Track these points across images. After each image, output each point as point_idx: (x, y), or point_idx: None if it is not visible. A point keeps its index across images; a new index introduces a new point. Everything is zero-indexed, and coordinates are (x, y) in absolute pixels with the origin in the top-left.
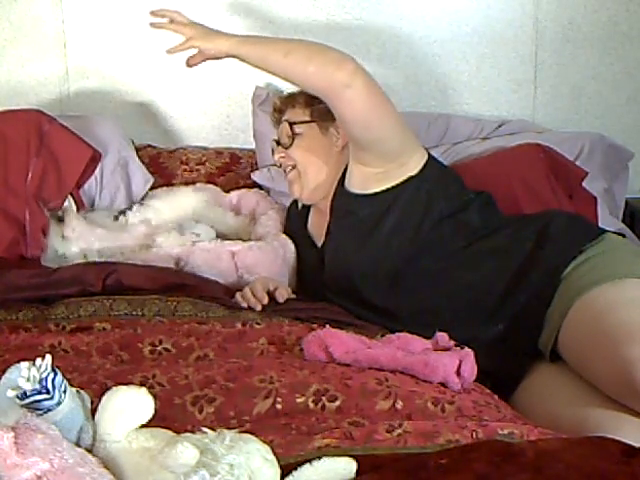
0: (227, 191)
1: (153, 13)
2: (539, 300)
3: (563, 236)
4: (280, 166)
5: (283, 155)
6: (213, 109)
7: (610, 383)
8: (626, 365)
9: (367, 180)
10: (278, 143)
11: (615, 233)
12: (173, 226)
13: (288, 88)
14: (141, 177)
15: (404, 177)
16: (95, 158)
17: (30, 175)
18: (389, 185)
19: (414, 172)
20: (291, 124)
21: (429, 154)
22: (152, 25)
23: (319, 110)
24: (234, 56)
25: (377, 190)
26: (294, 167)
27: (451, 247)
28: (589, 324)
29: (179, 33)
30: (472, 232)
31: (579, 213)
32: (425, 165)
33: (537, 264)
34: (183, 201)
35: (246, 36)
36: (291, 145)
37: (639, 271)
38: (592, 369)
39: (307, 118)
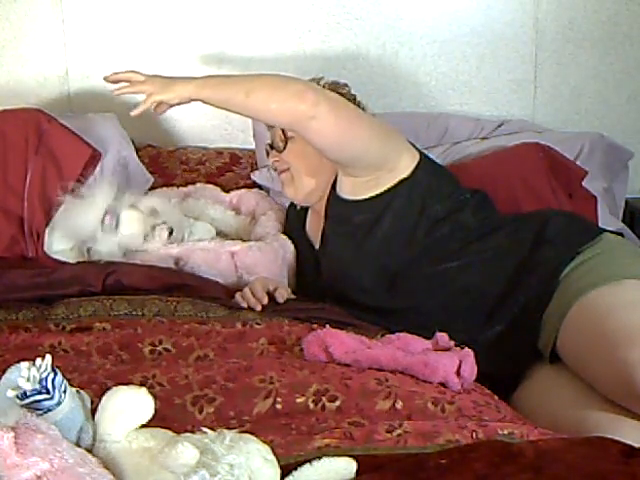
0: (227, 191)
1: (107, 79)
2: (537, 302)
3: (560, 237)
4: (275, 169)
5: (277, 159)
6: (213, 109)
7: (609, 385)
8: (626, 368)
9: (358, 187)
10: (272, 147)
11: (614, 233)
12: (169, 226)
13: None
14: (141, 177)
15: (395, 181)
16: (95, 157)
17: (30, 174)
18: (381, 190)
19: (405, 174)
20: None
21: (421, 154)
22: (113, 92)
23: None
24: (196, 100)
25: (369, 196)
26: (288, 170)
27: (448, 249)
28: (588, 327)
29: (139, 93)
30: (468, 233)
31: (579, 212)
32: (417, 167)
33: (535, 266)
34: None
35: (205, 77)
36: (284, 149)
37: (637, 271)
38: (591, 371)
39: None
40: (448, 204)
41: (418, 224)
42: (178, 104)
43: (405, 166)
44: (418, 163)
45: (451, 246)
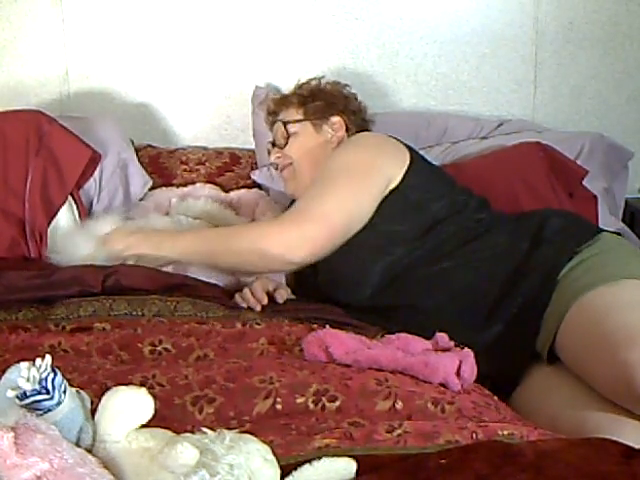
0: (227, 191)
1: None
2: (535, 302)
3: (558, 237)
4: (277, 168)
5: (279, 155)
6: (213, 109)
7: (609, 386)
8: (625, 369)
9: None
10: (274, 145)
11: (613, 232)
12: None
13: (287, 89)
14: (140, 179)
15: (386, 192)
16: (95, 159)
17: (30, 175)
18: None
19: (394, 184)
20: (285, 124)
21: (412, 156)
22: None
23: (313, 108)
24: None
25: None
26: (290, 165)
27: (445, 249)
28: (587, 327)
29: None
30: (466, 233)
31: (579, 212)
32: (406, 173)
33: (533, 266)
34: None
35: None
36: (286, 144)
37: (635, 271)
38: (591, 372)
39: (301, 117)
40: (445, 204)
41: (416, 226)
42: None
43: (394, 176)
44: (407, 169)
45: (449, 246)
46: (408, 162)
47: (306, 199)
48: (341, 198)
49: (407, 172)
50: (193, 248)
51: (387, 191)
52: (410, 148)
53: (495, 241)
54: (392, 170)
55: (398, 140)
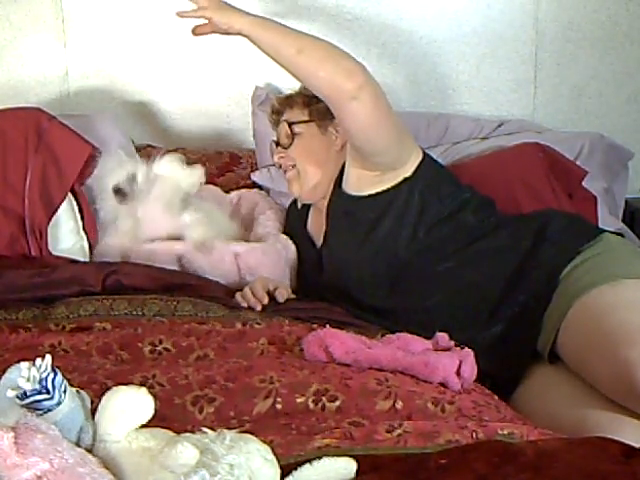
0: (227, 191)
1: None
2: (537, 301)
3: (560, 237)
4: (280, 167)
5: (283, 155)
6: (213, 109)
7: (610, 385)
8: (626, 367)
9: (363, 182)
10: (277, 144)
11: (614, 233)
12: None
13: (287, 89)
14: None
15: (398, 179)
16: (95, 155)
17: (30, 172)
18: (384, 187)
19: (408, 174)
20: (290, 124)
21: (424, 153)
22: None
23: (318, 110)
24: (245, 36)
25: (372, 192)
26: (294, 166)
27: (449, 249)
28: (588, 326)
29: (194, 2)
30: (469, 233)
31: (579, 212)
32: (419, 166)
33: (535, 265)
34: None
35: (262, 18)
36: (290, 145)
37: (637, 271)
38: (591, 371)
39: (306, 118)
40: (448, 203)
41: (419, 224)
42: (223, 33)
43: (410, 165)
44: (420, 162)
45: (452, 246)
46: (421, 157)
47: None
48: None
49: (419, 166)
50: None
51: (398, 180)
52: (420, 147)
53: (497, 241)
54: (412, 151)
55: None
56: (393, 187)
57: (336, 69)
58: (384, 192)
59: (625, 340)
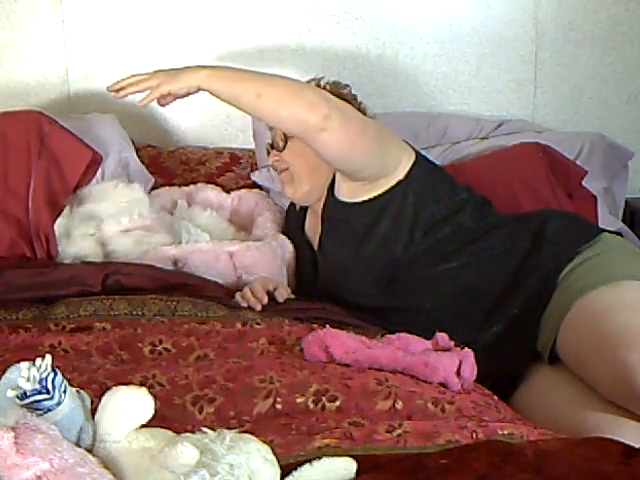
0: (227, 191)
1: (110, 89)
2: (536, 302)
3: (559, 237)
4: (275, 169)
5: (277, 158)
6: (213, 109)
7: (610, 387)
8: (626, 369)
9: (355, 192)
10: (272, 146)
11: (613, 232)
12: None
13: None
14: (142, 178)
15: (392, 183)
16: (96, 160)
17: (34, 177)
18: (378, 192)
19: (401, 176)
20: None
21: (417, 154)
22: (116, 96)
23: None
24: (205, 90)
25: (367, 198)
26: (287, 169)
27: (446, 249)
28: (588, 328)
29: (146, 89)
30: (467, 234)
31: (579, 212)
32: (412, 167)
33: (534, 266)
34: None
35: (216, 68)
36: (284, 148)
37: (636, 272)
38: (591, 372)
39: None
40: (445, 204)
41: (415, 225)
42: (186, 95)
43: (402, 169)
44: (414, 163)
45: (450, 247)
46: (414, 159)
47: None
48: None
49: (412, 168)
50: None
51: (391, 184)
52: (414, 148)
53: (496, 241)
54: (403, 154)
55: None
56: (386, 191)
57: (298, 105)
58: (378, 197)
59: (625, 342)
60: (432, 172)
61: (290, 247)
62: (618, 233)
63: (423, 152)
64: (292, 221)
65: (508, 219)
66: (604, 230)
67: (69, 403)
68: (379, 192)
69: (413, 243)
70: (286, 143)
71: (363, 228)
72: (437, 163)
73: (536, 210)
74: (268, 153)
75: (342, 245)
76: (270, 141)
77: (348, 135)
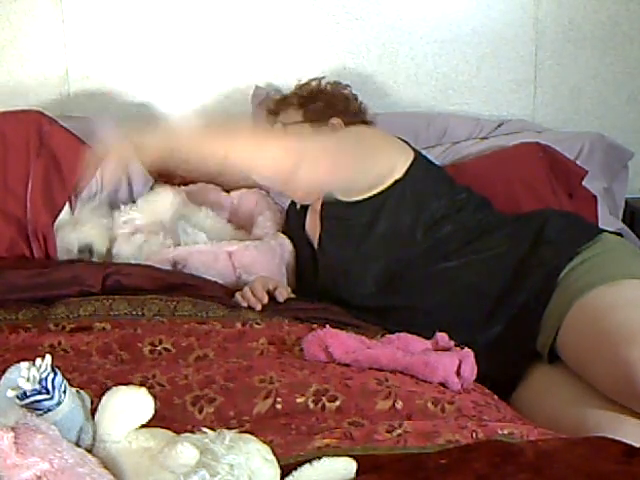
0: (227, 191)
1: None
2: (536, 302)
3: (559, 238)
4: None
5: None
6: (213, 109)
7: (610, 385)
8: (626, 367)
9: (352, 192)
10: None
11: (613, 233)
12: (159, 228)
13: (287, 88)
14: (141, 178)
15: (389, 182)
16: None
17: (32, 176)
18: (375, 192)
19: (399, 175)
20: (284, 125)
21: (416, 153)
22: None
23: (312, 110)
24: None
25: (365, 197)
26: None
27: (446, 249)
28: (588, 326)
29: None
30: (467, 233)
31: (579, 212)
32: (410, 166)
33: (534, 266)
34: (162, 203)
35: (173, 141)
36: None
37: (636, 272)
38: (592, 371)
39: (300, 119)
40: (445, 203)
41: (416, 224)
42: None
43: (400, 168)
44: (412, 163)
45: (450, 246)
46: (412, 158)
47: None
48: (329, 145)
49: (411, 167)
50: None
51: (389, 183)
52: (413, 147)
53: (496, 241)
54: (398, 160)
55: (402, 140)
56: (383, 190)
57: (267, 156)
58: (375, 196)
59: (625, 340)
60: (431, 171)
61: (289, 246)
62: (618, 233)
63: (423, 152)
64: (292, 220)
65: (509, 219)
66: (604, 230)
67: (69, 403)
68: (376, 191)
69: (414, 242)
70: None
71: (361, 227)
72: (437, 163)
73: (536, 210)
74: None
75: (341, 244)
76: None
77: (324, 167)
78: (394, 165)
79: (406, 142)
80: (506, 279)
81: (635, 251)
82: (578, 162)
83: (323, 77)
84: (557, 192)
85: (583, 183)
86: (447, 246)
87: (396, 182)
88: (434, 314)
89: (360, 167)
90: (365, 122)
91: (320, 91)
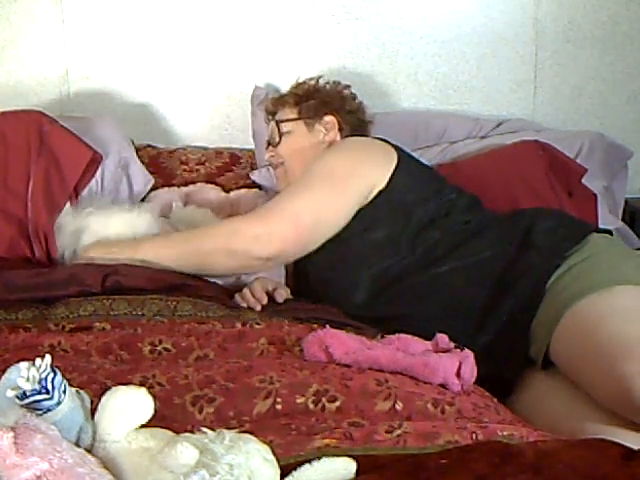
0: (227, 191)
1: None
2: (525, 309)
3: (546, 242)
4: (271, 165)
5: (272, 154)
6: (213, 109)
7: (607, 396)
8: (624, 381)
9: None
10: (269, 144)
11: (604, 231)
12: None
13: (287, 89)
14: (142, 178)
15: (373, 194)
16: (96, 160)
17: (32, 176)
18: (359, 207)
19: (382, 186)
20: (278, 122)
21: (399, 156)
22: None
23: (307, 108)
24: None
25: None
26: (282, 164)
27: (435, 256)
28: (581, 337)
29: None
30: (454, 238)
31: (578, 210)
32: (393, 174)
33: (521, 272)
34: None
35: (133, 247)
36: (279, 143)
37: (625, 275)
38: (588, 381)
39: (294, 116)
40: (433, 207)
41: (404, 231)
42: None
43: (381, 179)
44: (395, 169)
45: (437, 252)
46: (395, 164)
47: (278, 198)
48: (313, 199)
49: (394, 174)
50: (157, 252)
51: (373, 195)
52: (398, 149)
53: (482, 245)
54: (376, 174)
55: (386, 142)
56: (369, 203)
57: (228, 259)
58: (362, 209)
59: (621, 353)
60: (416, 175)
61: None
62: (610, 232)
63: (422, 152)
64: None
65: (496, 220)
66: (593, 230)
67: (69, 403)
68: (359, 207)
69: (402, 249)
70: (281, 138)
71: (349, 239)
72: (428, 164)
73: (524, 210)
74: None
75: (331, 253)
76: (267, 137)
77: (299, 232)
78: (375, 180)
79: (389, 143)
80: (494, 285)
81: (623, 251)
82: (578, 161)
83: (321, 76)
84: (557, 190)
85: (582, 181)
86: (435, 253)
87: (380, 192)
88: (424, 323)
89: (339, 192)
90: (362, 121)
91: (316, 89)
